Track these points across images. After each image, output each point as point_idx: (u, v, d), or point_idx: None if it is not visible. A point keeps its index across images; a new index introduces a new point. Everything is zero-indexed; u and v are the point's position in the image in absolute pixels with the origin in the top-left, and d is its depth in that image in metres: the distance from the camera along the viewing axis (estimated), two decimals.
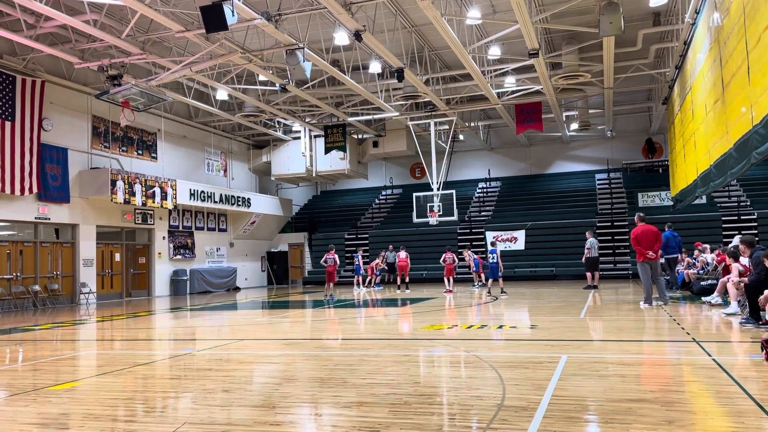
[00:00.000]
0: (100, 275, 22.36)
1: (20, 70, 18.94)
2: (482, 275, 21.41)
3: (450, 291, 19.75)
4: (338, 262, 19.41)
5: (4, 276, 18.96)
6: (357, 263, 23.20)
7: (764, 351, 6.19)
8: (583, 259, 18.83)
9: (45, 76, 19.77)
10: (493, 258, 17.82)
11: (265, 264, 32.33)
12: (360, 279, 23.00)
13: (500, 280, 17.89)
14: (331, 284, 19.28)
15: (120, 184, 21.18)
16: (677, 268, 16.62)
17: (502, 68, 21.95)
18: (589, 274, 18.85)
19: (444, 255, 20.60)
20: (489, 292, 17.82)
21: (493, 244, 19.46)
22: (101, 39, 16.50)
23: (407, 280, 21.78)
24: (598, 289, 18.42)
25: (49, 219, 20.21)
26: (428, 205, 25.14)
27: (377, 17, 16.94)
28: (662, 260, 15.11)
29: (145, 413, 5.06)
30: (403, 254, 21.92)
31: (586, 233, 19.20)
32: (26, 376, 6.99)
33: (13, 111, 18.62)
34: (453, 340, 8.71)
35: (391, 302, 16.93)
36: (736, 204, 25.82)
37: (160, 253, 25.02)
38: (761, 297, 8.61)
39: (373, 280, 23.51)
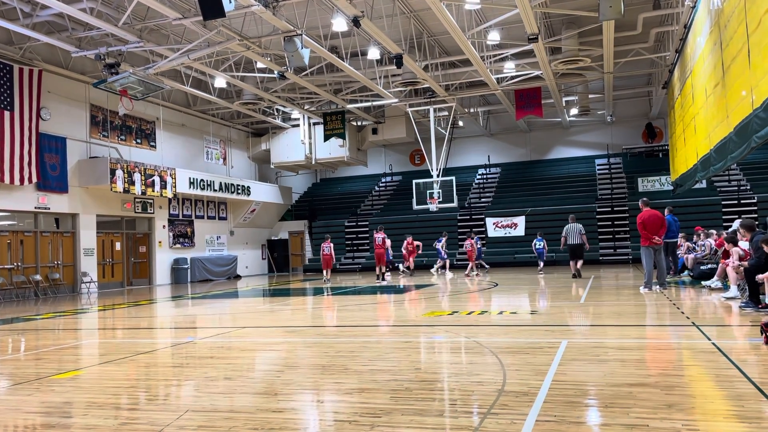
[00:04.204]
0: (100, 264, 22.40)
1: (17, 59, 18.84)
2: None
3: (467, 276, 20.43)
4: (333, 254, 20.84)
5: (5, 266, 18.99)
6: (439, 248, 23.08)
7: (764, 335, 6.21)
8: (561, 246, 17.79)
9: (42, 65, 19.67)
10: (540, 245, 20.80)
11: (265, 252, 32.38)
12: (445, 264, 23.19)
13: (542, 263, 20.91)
14: (329, 270, 20.46)
15: (119, 173, 21.15)
16: (677, 253, 16.62)
17: (502, 53, 21.83)
18: (572, 263, 17.40)
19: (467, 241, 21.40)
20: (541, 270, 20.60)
21: (540, 234, 21.41)
22: (98, 27, 16.40)
23: (384, 269, 20.15)
24: (579, 278, 16.90)
25: (49, 208, 20.20)
26: (428, 191, 25.13)
27: (375, 3, 16.84)
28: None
29: (148, 401, 5.09)
30: (379, 238, 19.93)
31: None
32: (29, 366, 7.02)
33: (12, 100, 18.55)
34: (454, 326, 8.73)
35: (391, 289, 16.97)
36: (737, 188, 25.80)
37: (160, 242, 25.04)
38: (760, 275, 8.62)
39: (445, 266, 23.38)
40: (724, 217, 23.52)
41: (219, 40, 17.19)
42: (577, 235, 16.93)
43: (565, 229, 17.18)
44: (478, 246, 22.25)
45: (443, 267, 23.33)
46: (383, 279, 19.82)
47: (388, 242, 20.47)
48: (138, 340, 9.01)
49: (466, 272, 20.98)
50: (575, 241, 16.98)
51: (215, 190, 26.61)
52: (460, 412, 4.37)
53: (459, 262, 25.86)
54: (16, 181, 18.59)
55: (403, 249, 22.67)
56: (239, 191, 28.25)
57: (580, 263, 17.23)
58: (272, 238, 32.72)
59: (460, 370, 5.84)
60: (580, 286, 14.50)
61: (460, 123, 31.62)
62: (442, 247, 22.95)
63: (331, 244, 20.65)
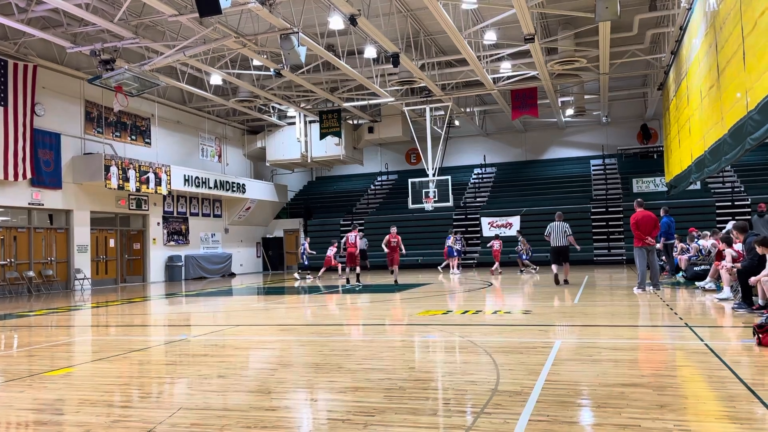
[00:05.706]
0: (94, 261, 22.31)
1: (12, 54, 18.75)
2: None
3: (491, 272, 21.12)
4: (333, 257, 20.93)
5: None
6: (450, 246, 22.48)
7: (756, 336, 6.24)
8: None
9: (37, 61, 19.57)
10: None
11: (260, 250, 32.33)
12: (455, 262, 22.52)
13: (521, 261, 21.85)
14: (323, 270, 21.08)
15: (114, 169, 21.08)
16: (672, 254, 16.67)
17: (498, 53, 21.85)
18: (554, 267, 15.09)
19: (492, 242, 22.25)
20: (536, 269, 21.47)
21: (519, 233, 22.52)
22: (93, 23, 16.33)
23: (358, 270, 18.02)
24: (566, 284, 14.88)
25: (43, 205, 20.12)
26: (424, 191, 25.12)
27: (372, 1, 16.83)
28: (659, 245, 15.08)
29: (141, 399, 5.08)
30: (352, 237, 17.80)
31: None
32: (21, 362, 6.99)
33: (6, 96, 18.46)
34: (448, 326, 8.74)
35: (386, 288, 16.96)
36: (731, 190, 25.90)
37: (154, 239, 24.97)
38: (752, 278, 8.67)
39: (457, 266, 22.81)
40: (718, 218, 23.59)
41: (215, 37, 17.14)
42: (561, 236, 14.83)
43: (548, 227, 15.10)
44: (527, 246, 21.89)
45: (449, 266, 22.73)
46: (357, 280, 17.79)
47: (362, 243, 19.43)
48: (131, 338, 8.98)
49: (492, 269, 21.45)
50: (559, 243, 14.87)
51: (210, 188, 26.55)
52: (453, 411, 4.38)
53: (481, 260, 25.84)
54: (10, 177, 18.51)
55: (383, 244, 17.93)
56: (234, 189, 28.20)
57: (566, 267, 15.23)
58: (267, 236, 32.67)
59: (453, 369, 5.85)
60: (575, 287, 14.52)
61: (456, 122, 31.62)
62: (452, 244, 22.38)
63: (335, 249, 20.90)
